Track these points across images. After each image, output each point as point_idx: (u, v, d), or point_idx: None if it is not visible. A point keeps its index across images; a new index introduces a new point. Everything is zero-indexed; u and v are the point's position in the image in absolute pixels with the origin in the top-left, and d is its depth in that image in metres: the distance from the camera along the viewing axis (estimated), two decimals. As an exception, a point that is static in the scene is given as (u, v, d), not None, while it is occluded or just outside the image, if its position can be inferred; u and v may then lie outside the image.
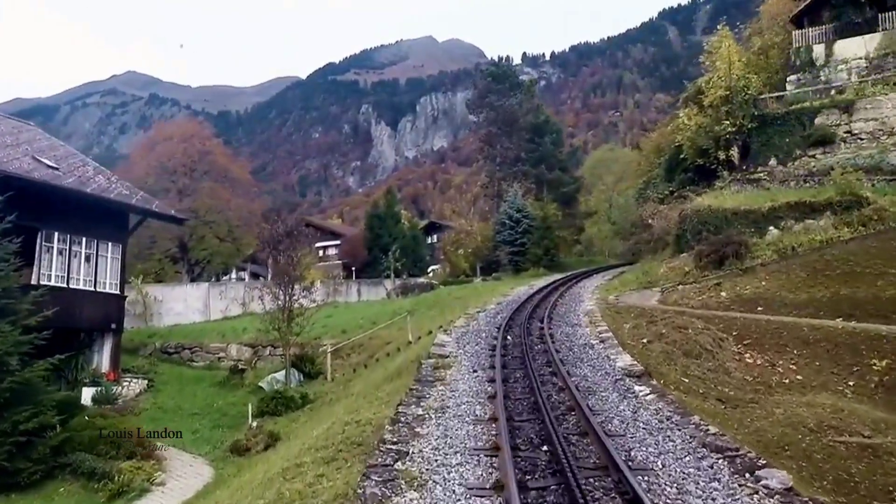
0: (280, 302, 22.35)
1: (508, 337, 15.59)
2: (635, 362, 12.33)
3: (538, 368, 11.55)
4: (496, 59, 62.86)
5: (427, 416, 8.76)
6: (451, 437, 7.75)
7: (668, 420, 8.41)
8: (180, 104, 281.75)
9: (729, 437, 7.66)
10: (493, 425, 8.12)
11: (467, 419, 8.57)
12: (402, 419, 8.52)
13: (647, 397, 9.71)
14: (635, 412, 8.82)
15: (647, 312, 19.09)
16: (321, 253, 61.70)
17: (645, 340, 15.96)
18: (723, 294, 21.19)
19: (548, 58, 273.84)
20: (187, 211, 43.29)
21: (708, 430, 7.87)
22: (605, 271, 38.07)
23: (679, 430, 7.96)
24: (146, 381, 23.32)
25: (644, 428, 8.06)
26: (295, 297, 22.61)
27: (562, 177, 55.17)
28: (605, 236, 62.73)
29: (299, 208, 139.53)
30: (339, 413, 12.83)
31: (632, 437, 7.68)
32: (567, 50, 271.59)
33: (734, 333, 17.04)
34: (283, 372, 22.46)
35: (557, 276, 35.71)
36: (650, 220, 30.95)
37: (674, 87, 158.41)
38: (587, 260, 57.34)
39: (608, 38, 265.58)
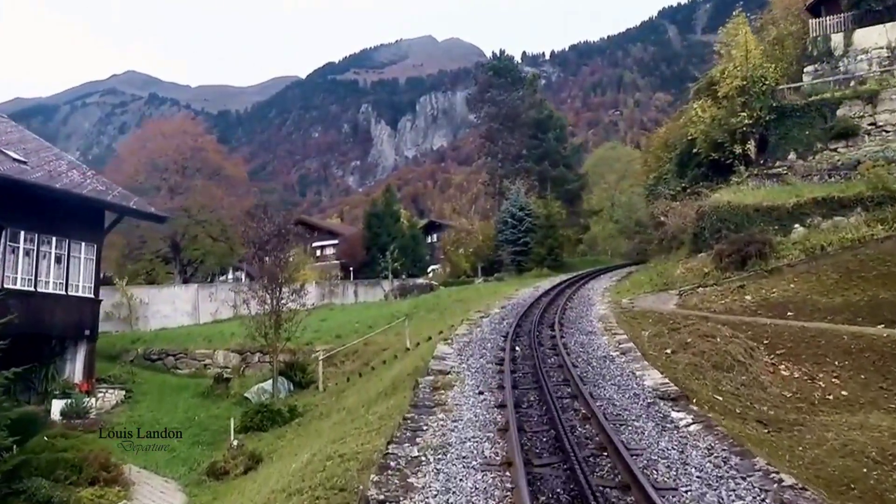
0: (267, 306, 20.69)
1: (517, 348, 13.90)
2: (666, 380, 10.67)
3: (555, 389, 9.86)
4: (496, 55, 60.74)
5: (424, 457, 7.01)
6: (453, 493, 6.00)
7: (725, 464, 6.69)
8: (180, 104, 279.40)
9: (812, 492, 5.95)
10: (508, 473, 6.40)
11: (474, 463, 6.81)
12: (393, 463, 6.78)
13: (690, 428, 8.02)
14: (682, 451, 7.09)
15: (667, 318, 17.54)
16: (318, 252, 60.16)
17: (669, 351, 14.37)
18: (747, 297, 19.61)
19: (547, 57, 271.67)
20: (179, 209, 41.64)
21: (781, 479, 6.16)
22: (612, 271, 36.65)
23: (743, 479, 6.25)
24: (123, 392, 21.62)
25: (699, 477, 6.34)
26: (283, 301, 20.93)
27: (565, 174, 53.54)
28: (608, 235, 61.16)
29: (299, 208, 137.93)
30: (323, 439, 11.16)
31: (687, 492, 5.95)
32: (567, 49, 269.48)
33: (765, 342, 15.49)
34: (271, 381, 20.81)
35: (563, 277, 34.30)
36: (663, 218, 29.23)
37: (674, 86, 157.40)
38: (592, 259, 55.74)
39: (608, 37, 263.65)
